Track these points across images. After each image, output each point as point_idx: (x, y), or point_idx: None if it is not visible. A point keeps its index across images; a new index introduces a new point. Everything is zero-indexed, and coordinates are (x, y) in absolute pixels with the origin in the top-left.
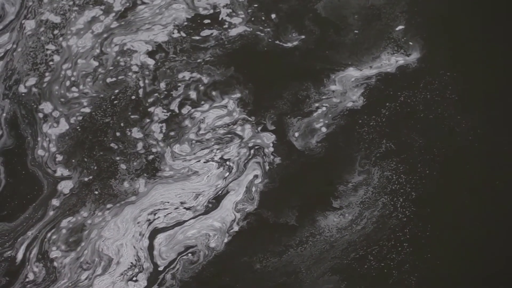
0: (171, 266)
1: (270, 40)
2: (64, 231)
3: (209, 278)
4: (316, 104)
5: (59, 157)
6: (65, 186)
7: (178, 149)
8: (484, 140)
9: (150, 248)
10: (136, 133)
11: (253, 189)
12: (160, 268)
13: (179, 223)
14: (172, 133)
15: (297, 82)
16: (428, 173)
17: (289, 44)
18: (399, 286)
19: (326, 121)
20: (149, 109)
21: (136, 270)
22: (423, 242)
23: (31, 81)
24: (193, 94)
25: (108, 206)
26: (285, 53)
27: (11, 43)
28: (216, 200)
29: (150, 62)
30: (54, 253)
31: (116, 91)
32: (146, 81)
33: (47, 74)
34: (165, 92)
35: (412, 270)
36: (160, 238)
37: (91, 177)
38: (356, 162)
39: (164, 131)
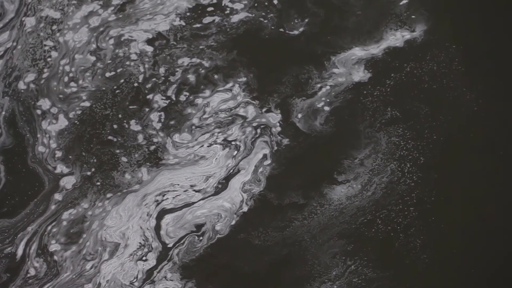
0: (180, 242)
1: (273, 28)
2: (64, 223)
3: (207, 258)
4: (319, 85)
5: (59, 153)
6: (68, 182)
7: (178, 138)
8: (490, 110)
9: (157, 228)
10: (134, 125)
11: (260, 170)
12: (170, 245)
13: (188, 205)
14: (172, 122)
15: (300, 66)
16: (435, 138)
17: (294, 32)
18: (405, 249)
19: (329, 100)
20: (148, 96)
21: (146, 249)
22: (428, 207)
23: (30, 77)
24: (195, 79)
25: (108, 195)
26: (288, 39)
27: (11, 41)
28: (226, 180)
29: (150, 49)
30: (54, 246)
31: (116, 84)
32: (146, 66)
33: (45, 70)
34: (163, 78)
35: (418, 233)
36: (167, 218)
37: (93, 170)
38: (362, 135)
39: (163, 120)
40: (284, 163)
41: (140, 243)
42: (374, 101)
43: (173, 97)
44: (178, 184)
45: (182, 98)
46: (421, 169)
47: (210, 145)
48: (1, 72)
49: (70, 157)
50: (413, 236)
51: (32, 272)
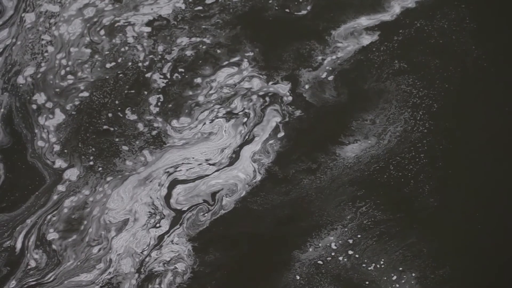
0: (192, 208)
1: (277, 8)
2: (66, 210)
3: (212, 227)
4: (326, 56)
5: (57, 147)
6: (72, 174)
7: (177, 123)
8: (499, 66)
9: (168, 197)
10: (130, 114)
11: (270, 142)
12: (183, 209)
13: (201, 177)
14: (170, 105)
15: (305, 41)
16: (447, 87)
17: (300, 12)
18: (413, 194)
19: (335, 67)
20: (147, 75)
21: (158, 217)
22: (438, 155)
23: (30, 71)
24: (201, 57)
25: (108, 179)
26: (293, 18)
27: (10, 38)
28: (240, 148)
29: (148, 29)
30: (52, 235)
31: (119, 70)
32: (145, 46)
33: (43, 64)
34: (162, 56)
35: (427, 180)
36: (179, 188)
37: (92, 158)
38: (369, 92)
39: (162, 102)
40: (294, 135)
41: (149, 212)
42: (381, 55)
43: (174, 76)
44: (193, 157)
45: (185, 77)
46: (433, 117)
47: (212, 120)
48: (1, 69)
49: (66, 150)
50: (422, 182)
51: (32, 264)
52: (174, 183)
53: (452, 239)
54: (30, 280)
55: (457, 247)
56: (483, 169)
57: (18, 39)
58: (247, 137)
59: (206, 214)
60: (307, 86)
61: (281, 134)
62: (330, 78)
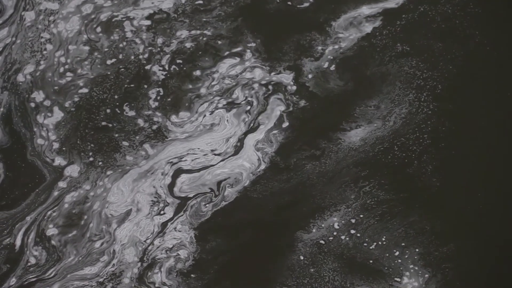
0: (197, 195)
1: (278, 1)
2: (66, 205)
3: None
4: (328, 46)
5: (56, 145)
6: (73, 171)
7: (177, 118)
8: (502, 49)
9: (171, 185)
10: (129, 110)
11: (274, 132)
12: (188, 196)
13: (206, 167)
14: (169, 99)
15: (307, 32)
16: (451, 68)
17: (300, 6)
18: (416, 174)
19: (337, 56)
20: (147, 67)
21: (161, 205)
22: (441, 136)
23: (30, 68)
24: (202, 49)
25: (108, 173)
26: (296, 11)
27: (10, 37)
28: (245, 135)
29: (148, 23)
30: (51, 230)
31: (120, 65)
32: (145, 38)
33: (42, 62)
34: (163, 49)
35: (430, 160)
36: (183, 177)
37: (91, 154)
38: (373, 77)
39: (161, 96)
40: (298, 124)
41: (152, 201)
42: (383, 39)
43: (173, 69)
44: (199, 148)
45: (184, 69)
46: (437, 99)
47: (212, 112)
48: (0, 68)
49: (64, 148)
50: (425, 162)
51: (32, 260)
52: (178, 172)
53: (455, 218)
54: (31, 276)
55: (460, 226)
56: (486, 150)
57: (18, 37)
58: (252, 124)
59: (207, 205)
60: (310, 76)
61: (285, 124)
62: (333, 67)
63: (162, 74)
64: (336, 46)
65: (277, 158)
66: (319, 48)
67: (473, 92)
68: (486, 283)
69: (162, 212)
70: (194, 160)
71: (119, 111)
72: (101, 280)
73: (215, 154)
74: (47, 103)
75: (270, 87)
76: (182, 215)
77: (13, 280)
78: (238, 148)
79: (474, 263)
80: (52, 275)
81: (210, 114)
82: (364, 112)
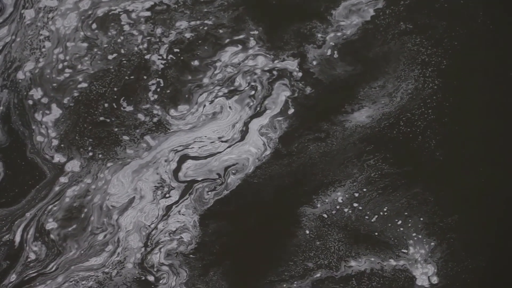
0: (203, 180)
1: None
2: (67, 199)
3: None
4: (329, 33)
5: (56, 142)
6: (74, 165)
7: (176, 112)
8: (506, 27)
9: (176, 170)
10: (127, 106)
11: (278, 119)
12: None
13: (213, 154)
14: (168, 91)
15: (308, 21)
16: (456, 44)
17: None
18: (420, 148)
19: (334, 43)
20: (146, 57)
21: (166, 189)
22: (446, 112)
23: (30, 66)
24: (199, 38)
25: (109, 164)
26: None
27: (10, 36)
28: (251, 118)
29: (148, 14)
30: (51, 224)
31: (121, 59)
32: (144, 29)
33: (41, 60)
34: (161, 39)
35: (433, 135)
36: (189, 163)
37: (90, 148)
38: (377, 57)
39: (162, 87)
40: (302, 110)
41: (155, 186)
42: (386, 18)
43: (171, 59)
44: (205, 136)
45: (184, 59)
46: (442, 75)
47: (212, 101)
48: (0, 67)
49: (63, 145)
50: (429, 137)
51: (32, 256)
52: (184, 158)
53: (458, 191)
54: (31, 272)
55: (463, 198)
56: (488, 126)
57: (18, 35)
58: (258, 108)
59: (210, 192)
60: (314, 62)
61: (291, 111)
62: (336, 52)
63: (162, 64)
64: (339, 33)
65: (279, 145)
66: (321, 35)
67: (476, 68)
68: (491, 254)
69: (167, 195)
70: (201, 147)
71: (116, 106)
72: (107, 270)
73: (222, 141)
74: (44, 100)
75: (274, 72)
76: (187, 198)
77: (13, 277)
78: (244, 132)
79: (479, 235)
80: (53, 269)
81: (209, 103)
82: (368, 93)
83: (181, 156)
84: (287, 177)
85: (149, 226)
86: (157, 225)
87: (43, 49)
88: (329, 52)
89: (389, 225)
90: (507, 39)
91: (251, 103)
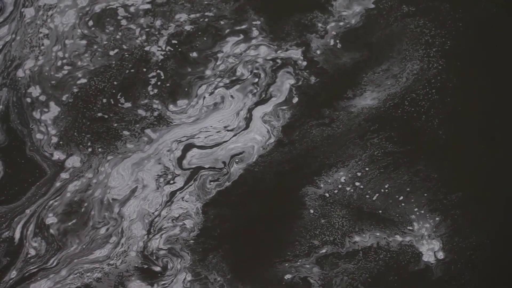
0: (209, 168)
1: None
2: (68, 194)
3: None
4: (330, 23)
5: (55, 139)
6: (75, 161)
7: (176, 106)
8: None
9: (180, 158)
10: (125, 103)
11: (282, 107)
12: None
13: (219, 144)
14: (168, 84)
15: (309, 12)
16: (460, 25)
17: None
18: (423, 127)
19: (335, 33)
20: (146, 48)
21: (169, 176)
22: (449, 92)
23: (30, 63)
24: (200, 29)
25: (109, 158)
26: None
27: (10, 35)
28: (256, 105)
29: (147, 6)
30: (50, 219)
31: (122, 54)
32: (143, 22)
33: (40, 58)
34: (161, 32)
35: (437, 114)
36: (194, 152)
37: (90, 144)
38: (379, 40)
39: (162, 80)
40: (306, 99)
41: (158, 175)
42: (388, 1)
43: (171, 51)
44: (211, 126)
45: (186, 52)
46: (446, 55)
47: (212, 92)
48: (0, 66)
49: (61, 142)
50: (432, 116)
51: (32, 252)
52: (188, 147)
53: (461, 168)
54: (31, 267)
55: (467, 175)
56: (490, 105)
57: (18, 34)
58: (263, 96)
59: (211, 183)
60: (318, 52)
61: (295, 100)
62: (338, 41)
63: (161, 55)
64: (341, 23)
65: (281, 134)
66: (322, 25)
67: (482, 48)
68: (496, 231)
69: (172, 181)
70: (207, 137)
71: (113, 102)
72: (112, 262)
73: (228, 130)
74: (42, 98)
75: (278, 61)
76: (191, 185)
77: (13, 273)
78: (248, 120)
79: (483, 212)
80: (54, 264)
81: (209, 95)
82: (372, 78)
83: (185, 145)
84: (287, 163)
85: (152, 213)
86: (161, 212)
87: (42, 47)
88: (332, 42)
89: (390, 201)
90: (510, 21)
91: (255, 90)
